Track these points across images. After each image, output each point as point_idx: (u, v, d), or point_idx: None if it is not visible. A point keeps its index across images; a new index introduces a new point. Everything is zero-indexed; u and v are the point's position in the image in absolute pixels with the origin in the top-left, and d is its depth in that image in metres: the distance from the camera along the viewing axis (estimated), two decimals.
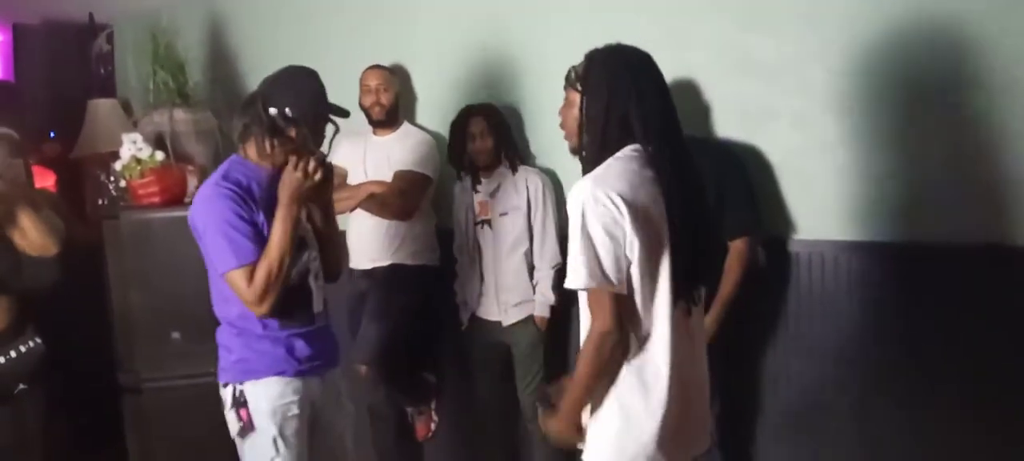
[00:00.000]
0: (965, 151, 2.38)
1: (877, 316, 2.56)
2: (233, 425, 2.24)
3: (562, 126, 1.96)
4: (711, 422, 2.06)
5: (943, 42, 2.37)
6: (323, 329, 2.36)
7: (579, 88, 1.83)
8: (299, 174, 2.14)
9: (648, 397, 1.76)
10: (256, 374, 2.22)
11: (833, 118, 2.58)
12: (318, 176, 2.17)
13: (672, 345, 1.75)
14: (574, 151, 1.88)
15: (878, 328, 2.56)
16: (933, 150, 2.43)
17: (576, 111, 1.84)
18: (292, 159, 2.17)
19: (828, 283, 2.62)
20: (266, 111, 2.17)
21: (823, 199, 2.63)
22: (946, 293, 2.43)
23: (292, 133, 2.20)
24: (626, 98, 1.76)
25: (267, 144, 2.20)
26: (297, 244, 2.19)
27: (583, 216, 1.71)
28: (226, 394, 2.25)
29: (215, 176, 2.21)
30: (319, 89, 2.29)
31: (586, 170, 1.80)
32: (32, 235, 2.76)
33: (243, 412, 2.21)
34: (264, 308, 2.14)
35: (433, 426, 3.58)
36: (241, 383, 2.22)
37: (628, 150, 1.77)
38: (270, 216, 2.16)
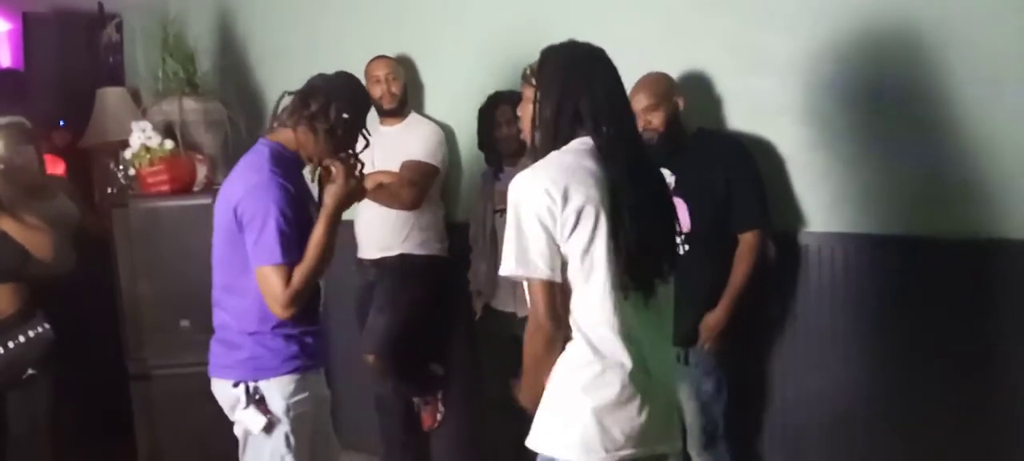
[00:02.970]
0: (976, 145, 2.37)
1: (887, 309, 2.55)
2: (255, 423, 2.18)
3: (520, 123, 1.99)
4: (681, 431, 2.03)
5: (954, 37, 2.36)
6: (324, 326, 2.38)
7: (533, 83, 1.84)
8: (351, 184, 2.19)
9: (598, 389, 1.73)
10: (272, 371, 2.19)
11: (843, 112, 2.57)
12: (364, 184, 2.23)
13: (622, 334, 1.73)
14: (529, 147, 1.89)
15: (888, 321, 2.56)
16: (943, 144, 2.42)
17: (531, 107, 1.85)
18: (341, 166, 2.19)
19: (838, 276, 2.61)
20: (335, 112, 2.19)
21: (833, 192, 2.62)
22: (956, 287, 2.43)
23: (346, 139, 2.23)
24: (577, 93, 1.77)
25: (320, 141, 2.20)
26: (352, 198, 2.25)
27: (517, 206, 1.73)
28: (236, 393, 2.21)
29: (264, 163, 2.15)
30: (368, 102, 2.35)
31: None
32: (21, 239, 2.76)
33: (263, 408, 2.18)
34: (291, 311, 2.12)
35: (439, 417, 3.58)
36: (255, 381, 2.19)
37: (576, 143, 1.77)
38: (302, 211, 2.16)
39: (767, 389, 2.80)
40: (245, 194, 2.12)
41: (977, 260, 2.39)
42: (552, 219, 1.69)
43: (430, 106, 3.55)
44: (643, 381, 1.75)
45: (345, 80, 2.30)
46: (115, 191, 3.58)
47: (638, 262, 1.73)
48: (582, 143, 1.77)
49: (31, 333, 2.81)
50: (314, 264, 2.12)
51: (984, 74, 2.32)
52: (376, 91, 3.31)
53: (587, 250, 1.71)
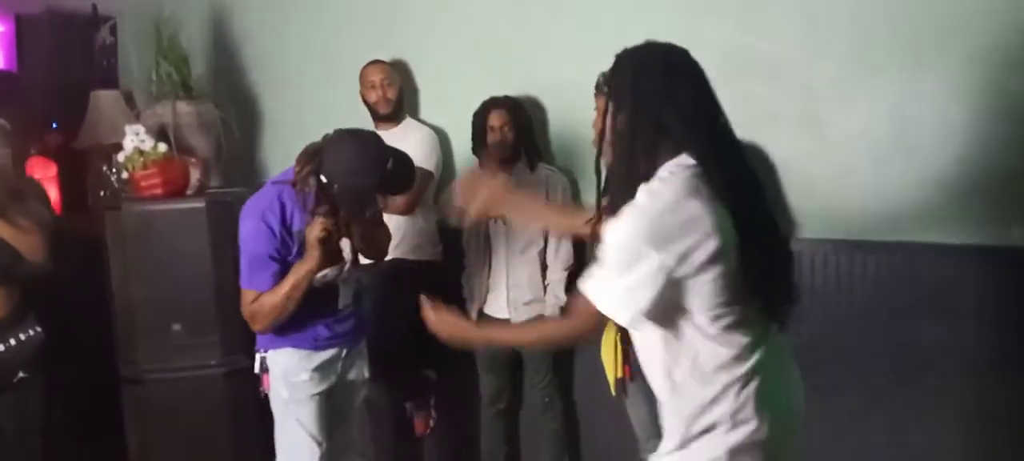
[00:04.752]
0: (968, 152, 2.38)
1: (879, 315, 2.56)
2: (264, 386, 2.54)
3: (595, 139, 1.79)
4: None
5: (945, 44, 2.37)
6: (348, 315, 2.58)
7: (606, 92, 1.66)
8: (312, 258, 2.31)
9: (749, 421, 1.58)
10: (274, 344, 2.49)
11: (836, 118, 2.58)
12: (324, 235, 2.30)
13: (767, 364, 1.59)
14: (607, 163, 1.69)
15: (880, 327, 2.56)
16: (937, 150, 2.43)
17: (603, 120, 1.65)
18: (310, 235, 2.31)
19: (830, 283, 2.62)
20: (318, 176, 2.31)
21: (826, 199, 2.63)
22: (949, 293, 2.44)
23: (338, 203, 2.32)
24: (657, 101, 1.56)
25: (312, 198, 2.34)
26: (331, 258, 2.38)
27: (626, 233, 1.51)
28: (257, 362, 2.55)
29: (265, 203, 2.38)
30: (369, 174, 2.32)
31: (616, 189, 1.61)
32: (13, 241, 2.75)
33: (265, 377, 2.52)
34: (255, 328, 2.45)
35: (432, 423, 3.58)
36: (265, 351, 2.51)
37: (674, 163, 1.55)
38: (280, 247, 2.38)
39: None
40: (242, 218, 2.42)
41: (970, 267, 2.40)
42: (669, 268, 1.49)
43: (425, 111, 3.55)
44: (786, 407, 1.65)
45: (348, 144, 2.32)
46: (108, 194, 3.57)
47: (770, 287, 1.58)
48: (677, 165, 1.55)
49: (22, 336, 2.80)
50: (279, 297, 2.35)
51: (979, 79, 2.33)
52: (371, 96, 3.31)
53: (722, 287, 1.51)
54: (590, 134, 3.04)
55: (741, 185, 1.58)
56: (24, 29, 4.43)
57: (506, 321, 3.11)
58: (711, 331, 1.56)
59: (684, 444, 1.61)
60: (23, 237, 2.75)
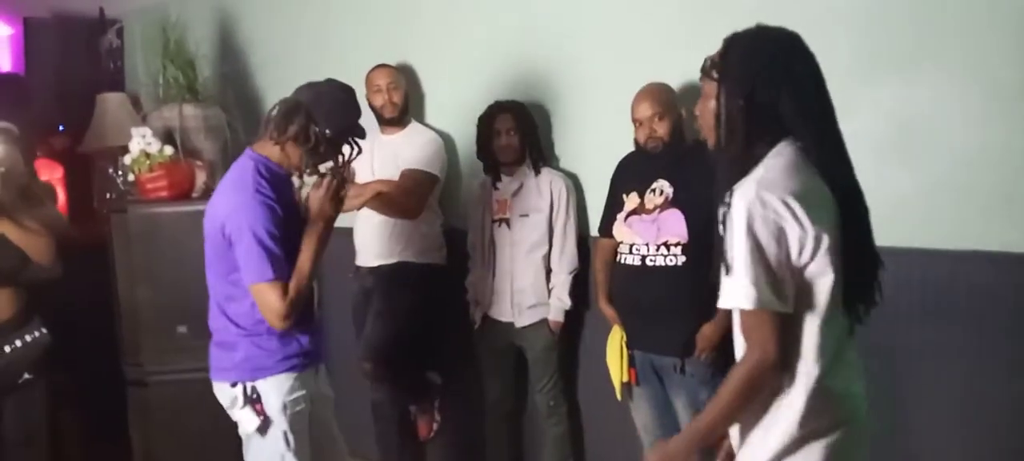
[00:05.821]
0: (969, 157, 2.37)
1: (880, 318, 2.55)
2: (249, 423, 2.24)
3: (699, 122, 1.73)
4: None
5: (945, 48, 2.37)
6: (319, 325, 2.43)
7: (716, 77, 1.61)
8: (330, 195, 2.21)
9: (825, 425, 1.55)
10: (268, 371, 2.24)
11: (839, 120, 2.57)
12: (343, 195, 2.23)
13: (845, 364, 1.59)
14: (715, 149, 1.64)
15: (881, 330, 2.55)
16: (937, 154, 2.43)
17: (713, 104, 1.60)
18: (322, 179, 2.22)
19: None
20: (314, 127, 2.19)
21: None
22: (950, 298, 2.43)
23: (329, 153, 2.24)
24: (774, 86, 1.53)
25: (303, 157, 2.23)
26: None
27: (749, 224, 1.47)
28: (234, 392, 2.26)
29: (249, 179, 2.19)
30: (356, 111, 2.31)
31: (727, 170, 1.57)
32: (21, 243, 2.76)
33: (259, 407, 2.23)
34: (288, 323, 2.18)
35: (436, 426, 3.58)
36: (253, 380, 2.24)
37: (782, 145, 1.54)
38: (290, 223, 2.21)
39: None
40: (231, 212, 2.18)
41: (970, 272, 2.39)
42: (790, 239, 1.47)
43: (430, 115, 3.56)
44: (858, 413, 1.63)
45: (329, 91, 2.27)
46: (114, 196, 3.58)
47: (861, 285, 1.58)
48: (789, 145, 1.54)
49: (28, 337, 2.81)
50: (306, 276, 2.19)
51: (977, 83, 2.33)
52: (377, 100, 3.31)
53: (822, 272, 1.50)
54: (594, 138, 3.06)
55: (846, 176, 1.59)
56: (31, 32, 4.47)
57: (510, 325, 3.11)
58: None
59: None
60: (30, 239, 2.77)
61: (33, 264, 2.79)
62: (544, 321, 3.07)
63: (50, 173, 3.81)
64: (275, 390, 2.24)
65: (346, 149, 2.32)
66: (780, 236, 1.48)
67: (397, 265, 3.30)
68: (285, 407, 2.24)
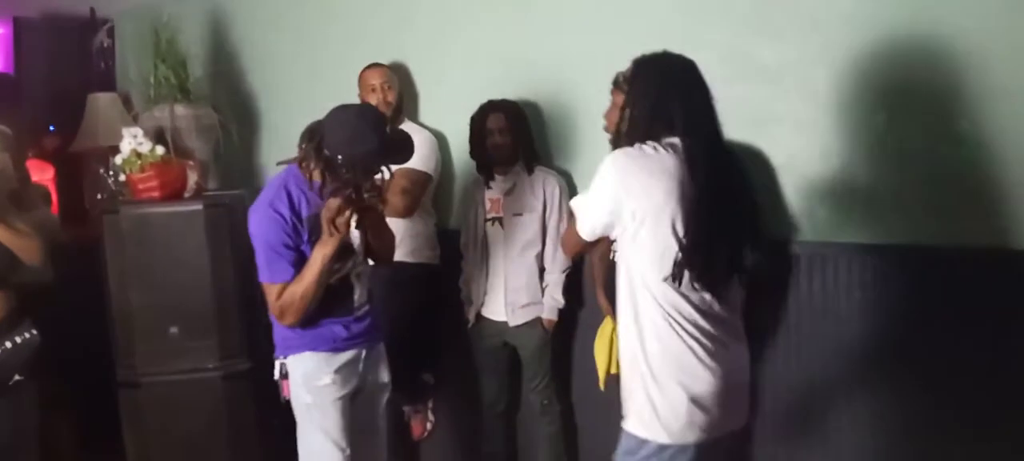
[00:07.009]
0: (967, 154, 2.38)
1: (879, 319, 2.56)
2: (286, 393, 2.51)
3: (607, 128, 2.21)
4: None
5: (944, 48, 2.37)
6: (363, 315, 2.55)
7: (626, 89, 2.01)
8: (329, 218, 2.26)
9: (676, 372, 1.96)
10: (294, 349, 2.47)
11: (836, 121, 2.57)
12: (351, 215, 2.28)
13: (688, 320, 1.95)
14: (613, 144, 2.11)
15: (880, 331, 2.56)
16: (936, 153, 2.43)
17: (618, 113, 2.04)
18: (325, 218, 2.28)
19: (829, 286, 2.62)
20: (321, 151, 2.30)
21: (825, 202, 2.62)
22: (949, 297, 2.43)
23: (346, 176, 2.27)
24: (672, 100, 1.94)
25: (318, 176, 2.35)
26: (342, 251, 2.36)
27: (601, 173, 1.95)
28: (277, 368, 2.52)
29: (271, 192, 2.39)
30: (369, 140, 2.27)
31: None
32: (10, 245, 2.74)
33: (285, 383, 2.49)
34: (286, 322, 2.39)
35: (429, 426, 3.57)
36: (284, 357, 2.49)
37: (664, 141, 1.94)
38: (314, 234, 2.34)
39: (758, 398, 2.79)
40: (250, 217, 2.41)
41: (971, 270, 2.40)
42: (626, 194, 1.92)
43: (424, 114, 3.55)
44: (719, 364, 1.99)
45: (346, 117, 2.30)
46: (105, 197, 3.56)
47: (698, 260, 1.92)
48: (670, 142, 1.94)
49: (18, 339, 2.79)
50: (306, 284, 2.33)
51: (974, 86, 2.33)
52: (371, 99, 3.30)
53: (655, 238, 1.91)
54: (588, 136, 3.06)
55: (722, 170, 1.99)
56: (22, 32, 4.44)
57: (503, 323, 3.10)
58: None
59: None
60: (20, 241, 2.75)
61: (23, 266, 2.77)
62: (538, 320, 3.07)
63: (41, 174, 3.79)
64: (299, 367, 2.46)
65: (376, 176, 2.36)
66: (618, 189, 1.97)
67: (390, 265, 3.29)
68: (307, 381, 2.44)
